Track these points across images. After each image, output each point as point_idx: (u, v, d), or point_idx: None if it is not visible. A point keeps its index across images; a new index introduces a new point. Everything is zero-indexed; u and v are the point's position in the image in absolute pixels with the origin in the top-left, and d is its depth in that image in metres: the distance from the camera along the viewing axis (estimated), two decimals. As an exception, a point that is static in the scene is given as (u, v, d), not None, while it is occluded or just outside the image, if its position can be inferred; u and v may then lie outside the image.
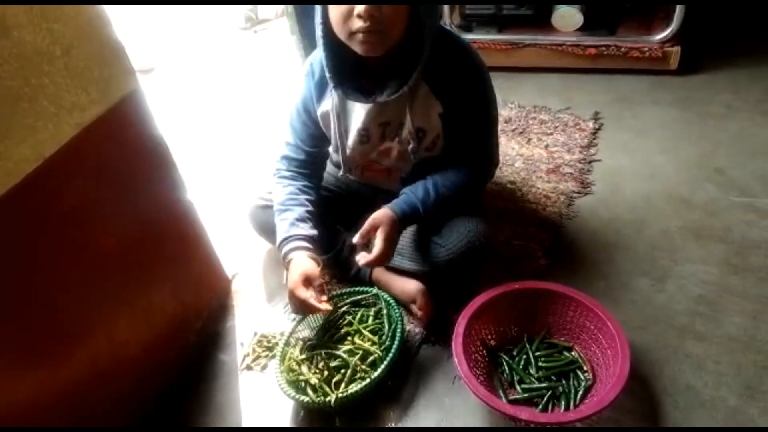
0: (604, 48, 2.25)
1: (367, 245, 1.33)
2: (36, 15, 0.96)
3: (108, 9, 1.10)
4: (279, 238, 1.40)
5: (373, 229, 1.31)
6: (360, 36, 1.18)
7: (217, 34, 3.39)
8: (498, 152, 1.49)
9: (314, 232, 1.40)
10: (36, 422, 1.06)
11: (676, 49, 2.19)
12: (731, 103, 2.09)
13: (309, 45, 2.33)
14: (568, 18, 2.26)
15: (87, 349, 1.18)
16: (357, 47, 1.21)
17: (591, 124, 2.06)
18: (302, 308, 1.34)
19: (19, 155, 0.97)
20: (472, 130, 1.38)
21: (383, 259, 1.32)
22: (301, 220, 1.41)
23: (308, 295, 1.30)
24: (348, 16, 1.17)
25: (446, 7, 2.37)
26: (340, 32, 1.21)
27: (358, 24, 1.16)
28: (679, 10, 2.10)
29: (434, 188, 1.35)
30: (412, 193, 1.35)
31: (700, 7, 2.19)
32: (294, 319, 1.48)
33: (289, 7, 2.26)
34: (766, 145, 1.88)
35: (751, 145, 1.89)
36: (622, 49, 2.23)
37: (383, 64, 1.28)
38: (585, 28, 2.28)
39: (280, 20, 3.38)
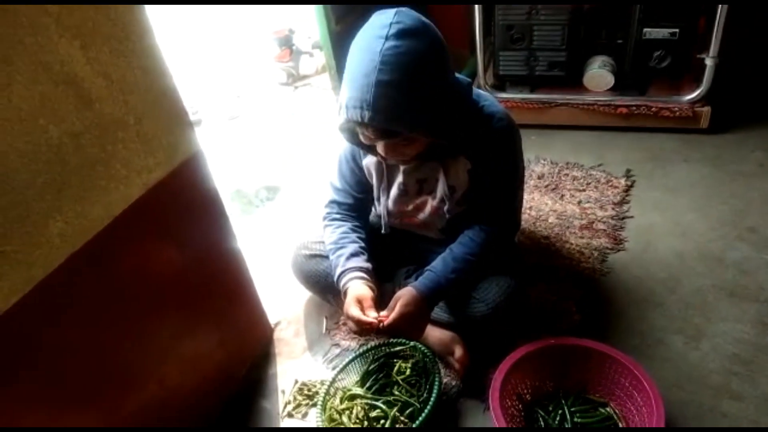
0: (634, 108, 2.31)
1: None
2: (115, 88, 1.06)
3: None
4: (336, 273, 1.47)
5: (395, 303, 1.38)
6: (382, 154, 1.32)
7: (258, 90, 3.54)
8: (520, 216, 1.57)
9: (369, 264, 1.48)
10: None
11: (707, 109, 2.24)
12: (762, 161, 2.12)
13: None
14: (599, 79, 2.33)
15: (141, 393, 1.25)
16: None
17: (623, 182, 2.11)
18: (357, 326, 1.38)
19: (93, 214, 1.06)
20: (496, 193, 1.45)
21: (393, 328, 1.36)
22: (355, 254, 1.48)
23: (358, 312, 1.36)
24: (371, 141, 1.29)
25: (480, 68, 2.48)
26: (365, 141, 1.33)
27: (379, 150, 1.31)
28: (708, 71, 2.15)
29: (454, 260, 1.42)
30: (432, 269, 1.42)
31: (729, 69, 2.24)
32: (334, 368, 1.54)
33: (332, 65, 2.37)
34: (798, 204, 1.90)
35: (783, 203, 1.92)
36: (653, 109, 2.29)
37: None
38: (616, 89, 2.35)
39: (320, 77, 3.53)
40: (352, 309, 1.37)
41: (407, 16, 1.19)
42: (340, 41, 2.27)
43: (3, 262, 0.91)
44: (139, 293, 1.20)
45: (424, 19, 1.21)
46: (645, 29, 2.20)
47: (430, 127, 1.24)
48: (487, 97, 1.45)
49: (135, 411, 1.23)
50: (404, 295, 1.39)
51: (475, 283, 1.46)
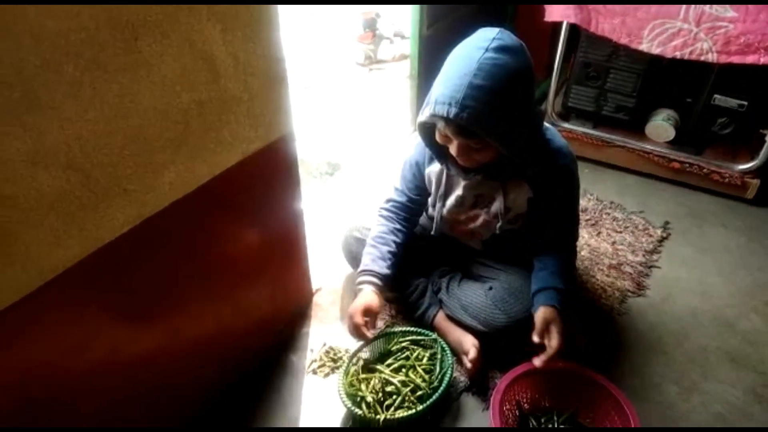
0: (687, 165, 2.41)
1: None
2: (240, 69, 1.24)
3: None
4: (360, 268, 1.66)
5: (546, 326, 1.50)
6: (453, 154, 1.45)
7: (336, 65, 3.71)
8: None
9: (388, 271, 1.65)
10: (150, 368, 1.34)
11: (756, 181, 2.33)
12: (796, 243, 2.21)
13: (424, 91, 2.59)
14: (661, 130, 2.43)
15: (199, 324, 1.45)
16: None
17: (659, 232, 2.22)
18: (354, 331, 1.58)
19: (199, 171, 1.25)
20: (563, 222, 1.62)
21: (560, 351, 1.48)
22: (382, 258, 1.66)
23: (362, 322, 1.55)
24: (446, 140, 1.43)
25: (551, 94, 2.60)
26: (439, 141, 1.47)
27: (452, 150, 1.43)
28: (766, 146, 2.24)
29: (562, 274, 1.58)
30: (554, 288, 1.54)
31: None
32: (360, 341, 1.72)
33: (415, 51, 2.49)
34: (819, 291, 2.00)
35: (805, 288, 2.01)
36: (705, 170, 2.39)
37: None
38: (674, 143, 2.45)
39: (396, 64, 3.68)
40: (357, 316, 1.56)
41: (509, 36, 1.34)
42: (428, 45, 2.42)
43: (125, 198, 1.11)
44: (217, 241, 1.40)
45: (522, 42, 1.36)
46: (715, 95, 2.29)
47: (505, 138, 1.35)
48: (552, 131, 1.59)
49: (191, 338, 1.43)
50: (552, 316, 1.50)
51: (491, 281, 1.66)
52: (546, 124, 1.59)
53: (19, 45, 0.86)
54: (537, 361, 1.47)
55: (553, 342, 1.46)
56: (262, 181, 1.46)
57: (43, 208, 0.98)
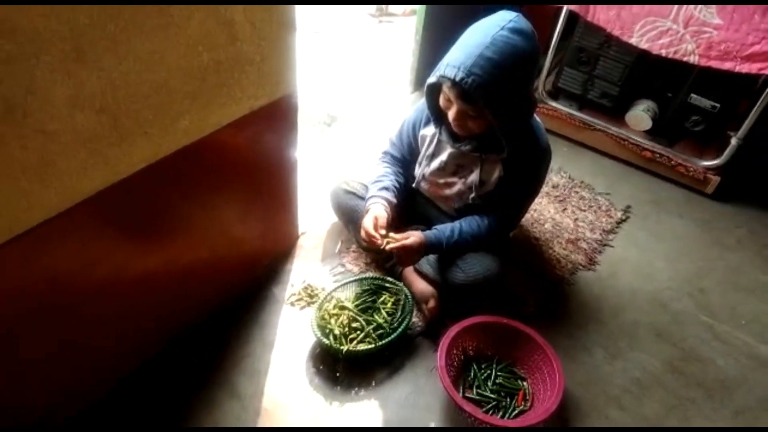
0: (658, 155, 2.60)
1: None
2: (255, 33, 1.40)
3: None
4: (368, 196, 1.85)
5: (407, 236, 1.76)
6: (450, 118, 1.62)
7: (346, 12, 3.80)
8: (520, 220, 1.92)
9: (394, 200, 1.85)
10: (150, 287, 1.55)
11: (716, 178, 2.52)
12: (741, 239, 2.42)
13: (424, 52, 2.77)
14: (639, 120, 2.61)
15: (195, 253, 1.66)
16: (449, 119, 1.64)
17: (620, 214, 2.43)
18: (366, 237, 1.75)
19: (210, 120, 1.43)
20: (513, 201, 1.80)
21: (399, 258, 1.76)
22: (389, 190, 1.86)
23: (370, 225, 1.74)
24: (447, 105, 1.60)
25: (544, 72, 2.75)
26: (441, 105, 1.64)
27: (450, 114, 1.60)
28: (730, 148, 2.43)
29: (459, 233, 1.78)
30: (442, 231, 1.79)
31: (750, 149, 2.49)
32: (335, 282, 1.94)
33: (421, 19, 2.62)
34: (751, 284, 2.22)
35: (739, 280, 2.24)
36: (673, 162, 2.57)
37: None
38: (650, 133, 2.63)
39: (406, 18, 3.78)
40: (366, 221, 1.76)
41: (524, 22, 1.51)
42: (434, 14, 2.55)
43: (145, 140, 1.30)
44: (219, 181, 1.59)
45: (534, 30, 1.52)
46: (692, 94, 2.46)
47: (501, 111, 1.53)
48: (539, 125, 1.77)
49: (188, 264, 1.65)
50: (414, 234, 1.77)
51: (463, 254, 1.83)
52: (535, 116, 1.76)
53: (73, 7, 1.02)
54: (387, 245, 1.73)
55: (402, 242, 1.73)
56: (264, 132, 1.64)
57: (78, 143, 1.16)
